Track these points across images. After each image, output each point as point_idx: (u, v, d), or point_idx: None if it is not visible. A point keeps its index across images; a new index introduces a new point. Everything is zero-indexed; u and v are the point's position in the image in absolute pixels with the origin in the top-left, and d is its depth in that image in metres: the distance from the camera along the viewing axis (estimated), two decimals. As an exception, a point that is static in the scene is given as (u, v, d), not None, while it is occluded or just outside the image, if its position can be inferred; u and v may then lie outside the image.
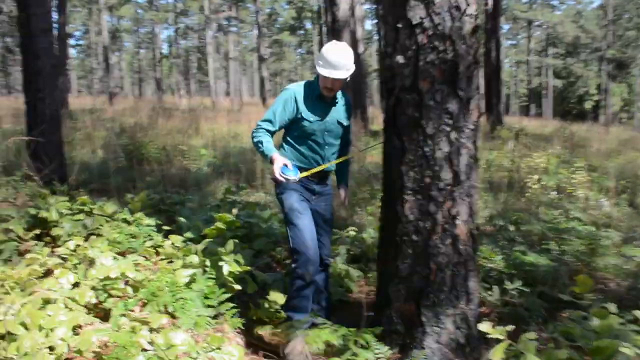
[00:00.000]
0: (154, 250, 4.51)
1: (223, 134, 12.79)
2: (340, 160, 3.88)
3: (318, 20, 35.33)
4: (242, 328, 3.76)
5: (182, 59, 56.18)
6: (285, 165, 3.45)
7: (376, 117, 18.77)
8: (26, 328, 3.10)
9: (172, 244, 4.45)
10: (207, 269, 3.94)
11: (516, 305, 4.07)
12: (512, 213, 6.35)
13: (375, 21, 33.04)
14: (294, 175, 3.46)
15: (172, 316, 3.65)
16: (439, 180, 3.23)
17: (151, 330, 3.29)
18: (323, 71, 3.53)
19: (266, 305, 3.89)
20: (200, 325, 3.57)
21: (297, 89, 3.69)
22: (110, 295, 3.77)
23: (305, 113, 3.62)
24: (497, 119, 19.08)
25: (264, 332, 3.82)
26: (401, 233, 3.34)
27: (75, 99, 29.73)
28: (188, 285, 3.78)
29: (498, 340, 2.78)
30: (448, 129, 3.20)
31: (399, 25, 3.25)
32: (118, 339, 3.11)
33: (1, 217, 5.01)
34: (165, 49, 56.10)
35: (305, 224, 3.61)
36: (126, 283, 3.90)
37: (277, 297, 3.86)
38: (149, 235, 4.75)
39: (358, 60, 15.62)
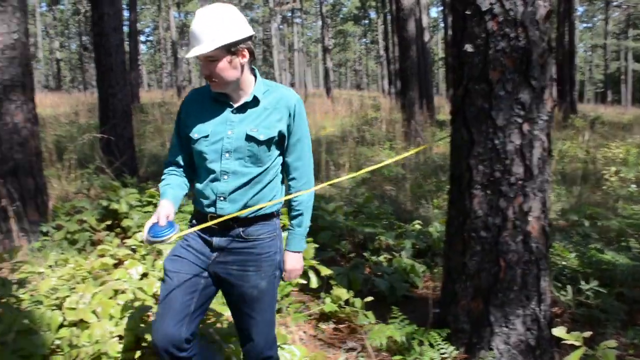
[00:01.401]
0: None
1: (287, 126, 12.84)
2: (256, 207, 2.22)
3: (382, 9, 34.91)
4: (306, 322, 3.76)
5: (247, 51, 56.97)
6: (157, 223, 2.11)
7: (442, 106, 18.42)
8: (97, 317, 3.21)
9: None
10: (271, 262, 3.95)
11: (592, 306, 3.86)
12: (587, 207, 6.04)
13: (441, 8, 32.32)
14: (161, 236, 2.09)
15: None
16: (509, 174, 3.08)
17: (214, 322, 3.34)
18: (187, 54, 2.15)
19: (329, 300, 3.86)
20: (264, 319, 3.58)
21: (188, 95, 2.39)
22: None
23: (188, 127, 2.27)
24: (571, 107, 18.29)
25: (327, 327, 3.80)
26: (469, 229, 3.22)
27: (146, 93, 30.82)
28: (252, 278, 3.80)
29: (572, 345, 2.63)
30: (520, 120, 3.04)
31: (468, 13, 3.12)
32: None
33: (76, 209, 5.23)
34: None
35: (167, 293, 2.24)
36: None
37: (341, 293, 3.82)
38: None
39: (423, 48, 15.34)
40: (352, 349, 3.49)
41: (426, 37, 15.17)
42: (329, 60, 33.44)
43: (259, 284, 2.26)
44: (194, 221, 2.33)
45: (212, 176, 2.20)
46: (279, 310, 3.77)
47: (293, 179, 2.33)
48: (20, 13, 5.28)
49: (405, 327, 3.35)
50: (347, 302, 3.85)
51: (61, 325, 3.17)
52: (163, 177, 2.37)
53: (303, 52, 50.95)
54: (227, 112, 2.21)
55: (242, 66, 2.16)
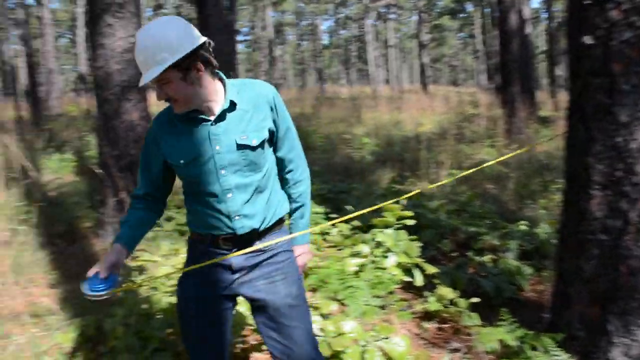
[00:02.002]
0: (321, 238, 4.65)
1: (384, 122, 12.81)
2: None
3: (480, 2, 33.87)
4: (409, 320, 3.75)
5: (342, 48, 57.36)
6: (97, 275, 1.91)
7: (544, 102, 17.59)
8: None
9: (340, 232, 4.55)
10: (376, 258, 3.97)
11: None
12: None
13: (544, -1, 30.82)
14: (96, 291, 1.88)
15: (341, 303, 3.74)
16: (632, 174, 2.90)
17: (322, 315, 3.40)
18: (140, 83, 1.95)
19: (434, 299, 3.82)
20: (369, 315, 3.62)
21: (154, 122, 2.12)
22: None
23: (168, 155, 2.06)
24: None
25: (431, 326, 3.76)
26: (586, 231, 3.06)
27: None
28: (356, 274, 3.84)
29: None
30: (646, 116, 2.85)
31: (587, 2, 2.96)
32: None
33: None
34: (325, 40, 57.76)
35: (194, 336, 2.18)
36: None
37: (446, 292, 3.76)
38: (316, 223, 4.90)
39: (525, 41, 14.69)
40: (457, 350, 3.43)
41: (528, 29, 14.54)
42: (425, 56, 32.94)
43: (291, 291, 2.14)
44: (199, 246, 2.13)
45: (214, 198, 2.01)
46: (383, 307, 3.78)
47: (290, 171, 2.19)
48: (137, 18, 5.65)
49: (515, 330, 3.25)
50: (451, 301, 3.79)
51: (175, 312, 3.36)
52: (127, 212, 2.17)
53: (398, 48, 50.51)
54: (207, 127, 1.99)
55: (200, 79, 1.94)
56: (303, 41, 62.90)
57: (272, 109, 2.05)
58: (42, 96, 19.79)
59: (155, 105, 7.49)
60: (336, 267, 3.88)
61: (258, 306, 2.14)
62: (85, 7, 24.77)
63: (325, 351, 2.96)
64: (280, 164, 2.17)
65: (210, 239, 2.07)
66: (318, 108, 14.96)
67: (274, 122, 2.07)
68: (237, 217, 2.02)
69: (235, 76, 8.27)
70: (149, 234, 4.74)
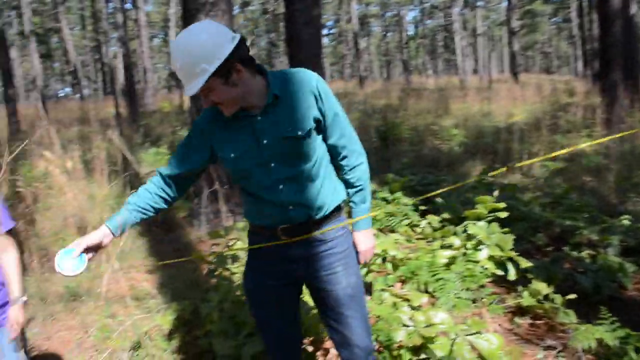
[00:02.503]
0: (411, 230, 4.61)
1: (473, 113, 12.47)
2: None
3: (577, -16, 32.03)
4: (501, 315, 3.65)
5: (429, 38, 56.33)
6: (69, 251, 1.94)
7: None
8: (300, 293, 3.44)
9: (429, 224, 4.50)
10: (467, 251, 3.89)
11: None
12: None
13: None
14: (71, 269, 1.91)
15: (432, 295, 3.70)
16: None
17: (412, 307, 3.39)
18: (185, 93, 1.94)
19: (527, 294, 3.69)
20: (459, 307, 3.56)
21: (204, 115, 2.11)
22: (371, 270, 3.97)
23: (217, 148, 2.08)
24: None
25: (524, 322, 3.64)
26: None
27: (329, 84, 32.04)
28: (447, 266, 3.78)
29: None
30: None
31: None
32: (381, 312, 3.26)
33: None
34: (411, 31, 56.94)
35: (265, 322, 2.27)
36: (384, 260, 4.08)
37: (541, 287, 3.62)
38: (406, 215, 4.87)
39: (629, 24, 13.74)
40: (551, 347, 3.30)
41: (633, 10, 13.58)
42: (516, 43, 31.68)
43: (350, 281, 2.14)
44: (259, 237, 2.13)
45: (266, 190, 2.02)
46: (474, 301, 3.71)
47: (344, 157, 2.13)
48: (228, 15, 5.83)
49: (616, 330, 3.08)
50: (546, 297, 3.64)
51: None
52: (139, 190, 2.16)
53: (487, 36, 48.93)
54: (253, 122, 1.99)
55: (241, 79, 1.92)
56: (388, 32, 62.37)
57: (316, 97, 2.00)
58: (138, 94, 20.91)
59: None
60: (426, 259, 3.84)
61: (320, 297, 2.17)
62: (177, 8, 25.89)
63: (414, 340, 2.94)
64: (333, 151, 2.12)
65: (268, 231, 2.08)
66: (404, 100, 14.80)
67: (320, 110, 2.01)
68: (291, 207, 2.02)
69: (322, 70, 8.35)
70: (240, 224, 4.90)
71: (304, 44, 7.98)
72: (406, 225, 4.71)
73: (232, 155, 2.01)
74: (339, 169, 2.17)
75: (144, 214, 2.12)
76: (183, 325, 3.66)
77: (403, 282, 3.91)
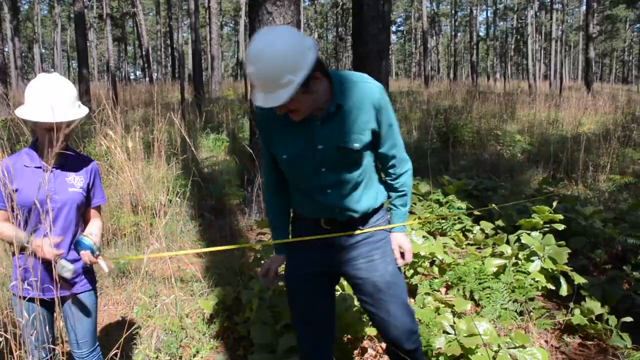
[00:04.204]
0: (462, 235, 4.49)
1: (540, 120, 12.04)
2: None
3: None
4: (549, 331, 3.49)
5: (499, 41, 54.87)
6: (86, 246, 2.19)
7: None
8: (342, 289, 3.40)
9: (482, 230, 4.37)
10: (518, 261, 3.74)
11: None
12: None
13: None
14: (65, 270, 2.15)
15: (476, 304, 3.59)
16: None
17: (454, 314, 3.29)
18: (258, 102, 1.90)
19: (579, 312, 3.51)
20: (505, 319, 3.44)
21: (264, 114, 2.09)
22: (417, 273, 3.89)
23: (274, 147, 2.11)
24: None
25: (573, 341, 3.47)
26: None
27: (394, 82, 31.78)
28: (496, 275, 3.65)
29: None
30: None
31: None
32: (422, 316, 3.18)
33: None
34: (482, 32, 55.63)
35: (299, 312, 2.32)
36: (432, 263, 3.98)
37: (594, 306, 3.44)
38: (459, 219, 4.74)
39: None
40: (601, 371, 3.13)
41: None
42: (592, 50, 30.40)
43: (388, 269, 2.19)
44: (304, 226, 2.20)
45: (314, 191, 2.09)
46: (521, 313, 3.56)
47: (392, 165, 2.17)
48: (295, 6, 5.81)
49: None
50: (599, 317, 3.46)
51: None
52: (267, 195, 2.29)
53: (561, 41, 47.20)
54: (313, 127, 2.00)
55: (317, 85, 1.92)
56: (458, 32, 61.18)
57: (377, 110, 2.01)
58: (204, 80, 21.35)
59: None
60: (475, 265, 3.72)
61: (357, 284, 2.21)
62: (249, -3, 26.32)
63: (454, 349, 2.86)
64: (383, 159, 2.17)
65: (313, 221, 2.15)
66: (469, 102, 14.46)
67: (378, 122, 2.03)
68: (336, 210, 2.10)
69: (388, 65, 8.26)
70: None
71: (371, 39, 7.91)
72: (457, 229, 4.58)
73: (285, 156, 2.06)
74: (385, 175, 2.23)
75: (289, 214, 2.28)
76: (223, 310, 3.69)
77: (448, 287, 3.80)
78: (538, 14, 39.98)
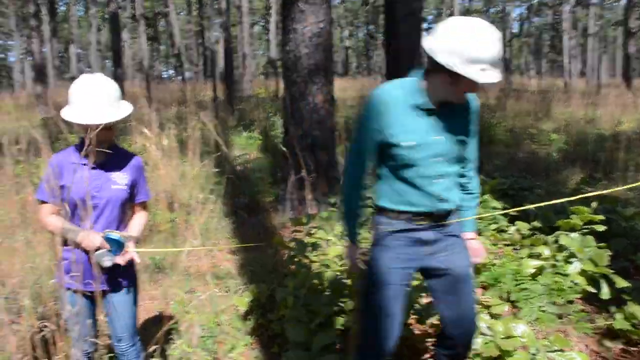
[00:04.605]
0: (498, 235, 4.42)
1: (577, 119, 11.79)
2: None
3: None
4: (589, 335, 3.40)
5: (534, 37, 53.89)
6: (113, 241, 2.28)
7: None
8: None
9: (518, 230, 4.29)
10: (557, 263, 3.67)
11: None
12: None
13: None
14: (106, 260, 2.26)
15: (514, 305, 3.53)
16: None
17: (491, 315, 3.24)
18: (477, 74, 1.98)
19: (621, 316, 3.42)
20: (543, 321, 3.37)
21: (382, 98, 2.16)
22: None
23: (396, 135, 2.14)
24: None
25: (614, 346, 3.38)
26: None
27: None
28: (534, 276, 3.58)
29: None
30: None
31: None
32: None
33: (361, 186, 5.58)
34: (515, 28, 54.70)
35: (378, 307, 2.31)
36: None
37: (637, 310, 3.34)
38: (494, 219, 4.67)
39: None
40: (645, 377, 3.04)
41: None
42: (632, 46, 29.61)
43: (468, 262, 2.34)
44: (393, 222, 2.23)
45: (425, 181, 2.17)
46: (560, 316, 3.49)
47: (470, 169, 2.38)
48: (327, 4, 5.80)
49: None
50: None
51: (344, 291, 3.43)
52: (349, 180, 2.31)
53: (598, 37, 46.11)
54: (436, 117, 2.14)
55: None
56: (491, 29, 60.24)
57: (476, 115, 2.27)
58: (236, 79, 21.49)
59: (339, 90, 7.65)
60: (512, 266, 3.66)
61: (439, 274, 2.30)
62: (280, -4, 26.36)
63: (491, 351, 2.81)
64: (466, 163, 2.36)
65: (407, 216, 2.22)
66: (503, 100, 14.25)
67: (474, 123, 2.28)
68: (440, 200, 2.20)
69: (420, 64, 8.16)
70: (324, 214, 4.89)
71: (403, 37, 7.83)
72: (493, 229, 4.51)
73: (406, 143, 2.13)
74: (462, 175, 2.36)
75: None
76: (258, 307, 3.71)
77: (484, 288, 3.74)
78: (574, 9, 39.09)
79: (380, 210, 2.27)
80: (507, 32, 44.76)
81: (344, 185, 2.33)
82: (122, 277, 2.42)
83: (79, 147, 2.32)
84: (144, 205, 2.54)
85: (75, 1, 47.86)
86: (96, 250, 2.22)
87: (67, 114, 2.23)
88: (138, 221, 2.50)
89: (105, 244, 2.24)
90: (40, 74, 17.09)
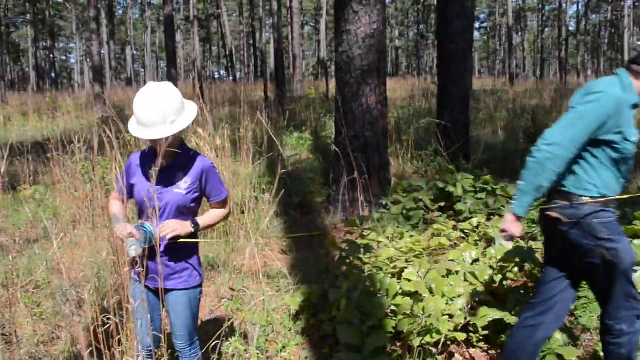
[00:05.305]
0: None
1: (638, 119, 11.32)
2: None
3: None
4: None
5: (591, 35, 52.14)
6: (145, 232, 2.33)
7: None
8: (431, 292, 3.35)
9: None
10: None
11: None
12: None
13: None
14: (133, 249, 2.29)
15: (571, 313, 3.43)
16: None
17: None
18: None
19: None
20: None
21: (616, 94, 2.38)
22: (506, 279, 3.76)
23: (626, 131, 2.37)
24: None
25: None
26: None
27: (477, 80, 30.91)
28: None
29: None
30: None
31: None
32: (514, 323, 3.07)
33: (413, 187, 5.55)
34: (572, 26, 53.01)
35: (555, 299, 2.61)
36: (521, 269, 3.83)
37: None
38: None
39: None
40: None
41: None
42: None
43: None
44: (611, 208, 2.44)
45: (627, 170, 2.48)
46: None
47: None
48: (380, 5, 5.77)
49: None
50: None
51: (396, 294, 3.41)
52: (547, 174, 2.36)
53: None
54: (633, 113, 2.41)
55: None
56: (546, 27, 58.67)
57: None
58: (286, 79, 21.66)
59: (388, 90, 7.59)
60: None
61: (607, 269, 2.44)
62: (331, -4, 26.40)
63: (550, 361, 2.74)
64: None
65: (611, 201, 2.43)
66: (559, 101, 13.83)
67: None
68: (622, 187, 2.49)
69: (471, 65, 8.03)
70: (376, 215, 4.87)
71: (455, 36, 7.73)
72: (549, 234, 4.38)
73: (634, 138, 2.39)
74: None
75: None
76: (309, 308, 3.73)
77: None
78: (636, 4, 37.61)
79: (601, 199, 2.41)
80: (562, 30, 43.42)
81: (546, 162, 2.34)
82: (180, 278, 2.46)
83: (150, 150, 2.43)
84: (221, 205, 2.54)
85: (132, 5, 49.30)
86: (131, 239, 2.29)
87: (130, 125, 2.34)
88: (207, 214, 2.53)
89: (136, 234, 2.29)
90: (98, 75, 17.66)
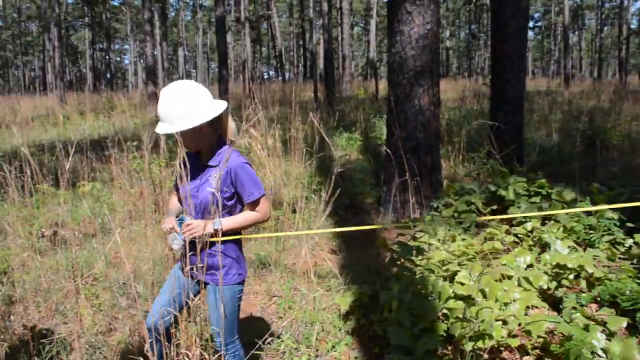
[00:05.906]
0: (613, 248, 4.16)
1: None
2: None
3: None
4: None
5: (653, 35, 50.07)
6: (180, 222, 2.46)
7: None
8: (484, 296, 3.30)
9: (637, 243, 4.02)
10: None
11: None
12: None
13: None
14: (176, 242, 2.42)
15: (631, 322, 3.31)
16: None
17: (607, 333, 3.06)
18: None
19: None
20: (667, 342, 3.13)
21: None
22: (561, 285, 3.67)
23: None
24: None
25: None
26: None
27: (530, 81, 30.13)
28: (656, 294, 3.34)
29: None
30: None
31: None
32: (570, 332, 2.99)
33: (465, 190, 5.47)
34: (634, 24, 51.06)
35: None
36: (577, 275, 3.73)
37: None
38: (609, 230, 4.40)
39: None
40: None
41: None
42: None
43: None
44: None
45: None
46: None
47: None
48: (434, 5, 5.72)
49: None
50: None
51: (449, 297, 3.37)
52: None
53: None
54: None
55: None
56: (605, 26, 56.69)
57: None
58: (335, 80, 21.70)
59: (442, 91, 7.51)
60: (630, 283, 3.43)
61: None
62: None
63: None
64: None
65: None
66: (617, 102, 13.36)
67: None
68: None
69: (525, 65, 7.85)
70: (428, 217, 4.84)
71: (510, 36, 7.58)
72: (606, 241, 4.25)
73: None
74: None
75: None
76: (359, 308, 3.74)
77: (599, 303, 3.54)
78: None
79: None
80: (623, 29, 41.88)
81: None
82: (219, 275, 2.45)
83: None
84: (252, 207, 2.48)
85: (184, 7, 50.37)
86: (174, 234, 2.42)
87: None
88: (237, 215, 2.49)
89: (177, 228, 2.38)
90: (151, 75, 18.17)
